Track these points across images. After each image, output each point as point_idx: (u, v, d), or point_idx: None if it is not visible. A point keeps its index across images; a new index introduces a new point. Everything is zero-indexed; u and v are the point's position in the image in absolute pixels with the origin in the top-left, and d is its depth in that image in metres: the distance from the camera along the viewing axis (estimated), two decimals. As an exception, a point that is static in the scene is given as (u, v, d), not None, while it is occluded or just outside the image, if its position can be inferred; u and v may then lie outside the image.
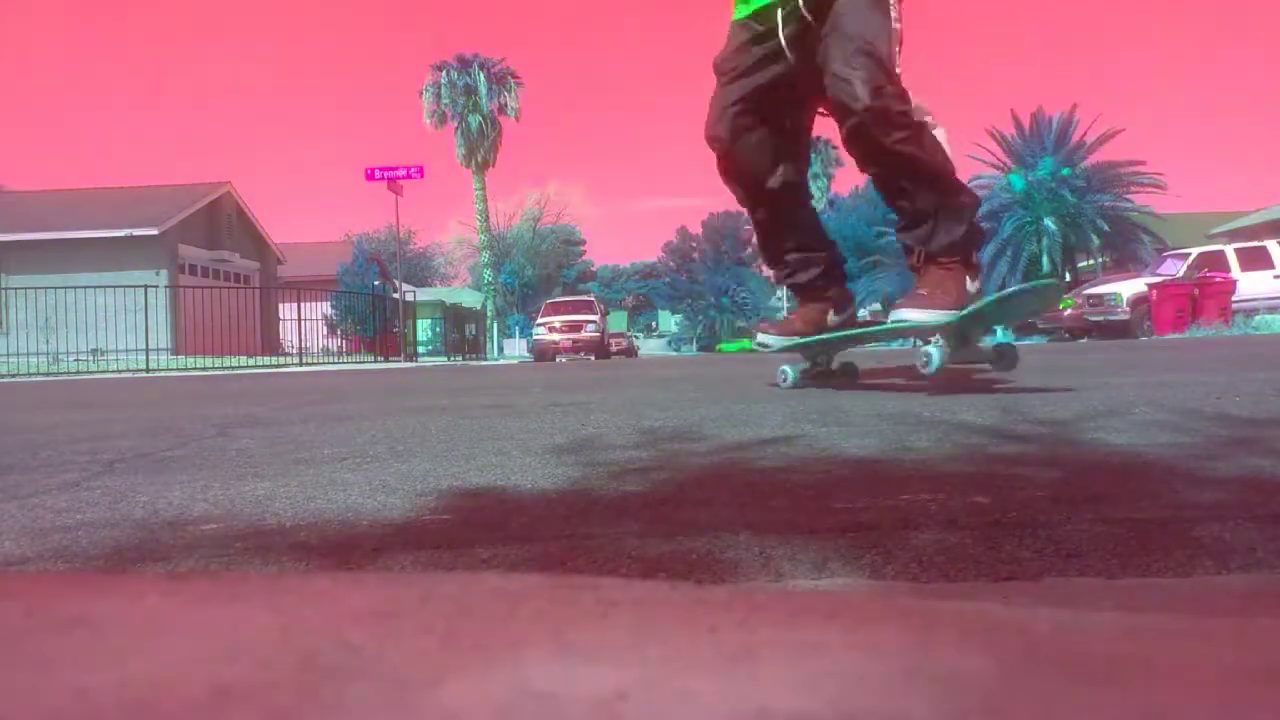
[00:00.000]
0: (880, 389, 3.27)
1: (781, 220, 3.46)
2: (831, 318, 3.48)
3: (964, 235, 3.05)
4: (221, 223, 27.34)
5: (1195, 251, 19.11)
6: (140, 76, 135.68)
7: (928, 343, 2.98)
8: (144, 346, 15.72)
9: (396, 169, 22.25)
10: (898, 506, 1.25)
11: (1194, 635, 0.50)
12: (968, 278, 3.05)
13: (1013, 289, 3.40)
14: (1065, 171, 27.70)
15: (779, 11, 3.13)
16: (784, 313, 15.84)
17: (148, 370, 14.88)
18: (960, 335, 2.99)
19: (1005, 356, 3.10)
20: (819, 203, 60.86)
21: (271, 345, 23.80)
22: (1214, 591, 0.90)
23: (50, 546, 1.23)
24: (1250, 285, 17.36)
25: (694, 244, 76.41)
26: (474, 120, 42.14)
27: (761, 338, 3.63)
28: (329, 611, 0.48)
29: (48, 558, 1.18)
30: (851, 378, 3.61)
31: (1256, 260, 18.29)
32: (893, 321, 3.10)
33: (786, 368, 3.50)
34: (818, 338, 3.46)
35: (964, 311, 2.96)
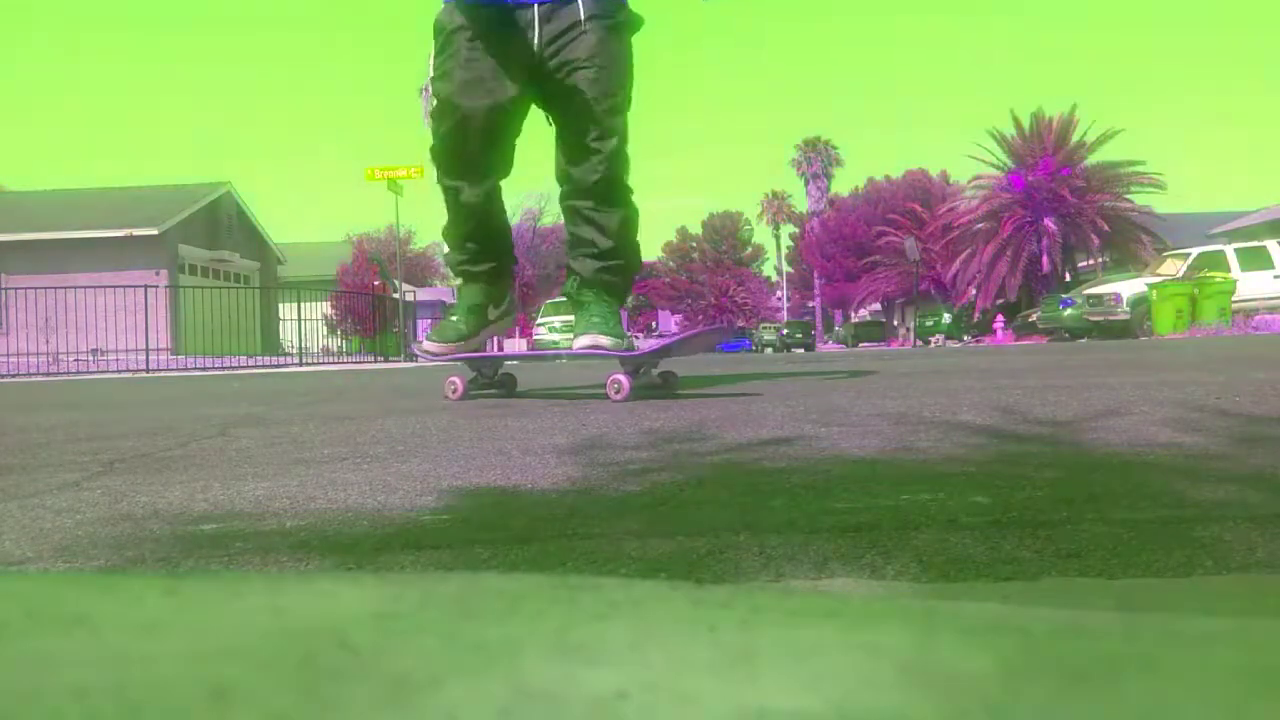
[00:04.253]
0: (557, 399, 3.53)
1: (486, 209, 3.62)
2: (492, 312, 3.74)
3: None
4: (221, 223, 27.33)
5: (1195, 251, 19.10)
6: (140, 75, 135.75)
7: (619, 371, 3.24)
8: (144, 346, 15.71)
9: (397, 168, 22.23)
10: (898, 506, 1.25)
11: (1194, 635, 0.50)
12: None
13: (693, 333, 4.08)
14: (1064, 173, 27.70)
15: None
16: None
17: (148, 370, 14.88)
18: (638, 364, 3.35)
19: (669, 382, 3.49)
20: (819, 203, 61.01)
21: (271, 345, 23.78)
22: (1214, 591, 0.90)
23: (50, 546, 1.23)
24: (1250, 285, 17.34)
25: (694, 244, 76.40)
26: (474, 119, 41.90)
27: (428, 345, 3.77)
28: (329, 611, 0.48)
29: (48, 558, 1.17)
30: (509, 388, 3.84)
31: (1256, 260, 18.29)
32: (581, 348, 3.38)
33: (455, 379, 3.68)
34: (478, 355, 3.75)
35: (652, 350, 3.36)
